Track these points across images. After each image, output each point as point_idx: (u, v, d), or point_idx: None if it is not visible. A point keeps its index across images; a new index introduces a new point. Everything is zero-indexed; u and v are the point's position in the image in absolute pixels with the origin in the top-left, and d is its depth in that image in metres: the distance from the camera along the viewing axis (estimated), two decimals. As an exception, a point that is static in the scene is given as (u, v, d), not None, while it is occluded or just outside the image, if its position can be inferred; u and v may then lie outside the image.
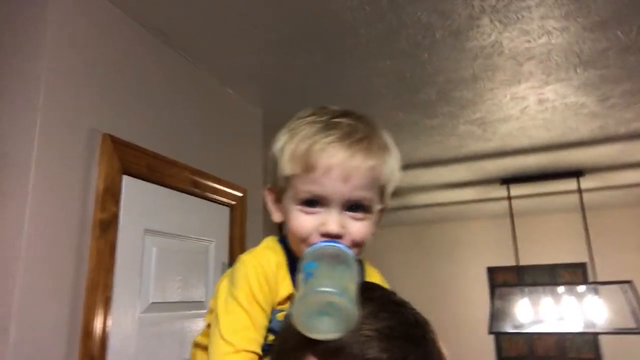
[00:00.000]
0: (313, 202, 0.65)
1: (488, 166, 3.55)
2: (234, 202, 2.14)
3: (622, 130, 2.84)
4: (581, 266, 4.96)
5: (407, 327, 0.54)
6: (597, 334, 4.14)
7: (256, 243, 2.09)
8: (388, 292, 0.61)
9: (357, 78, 2.11)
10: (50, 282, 1.24)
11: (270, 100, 2.34)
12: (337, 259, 0.61)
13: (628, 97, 2.37)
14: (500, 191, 4.00)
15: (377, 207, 0.68)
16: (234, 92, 2.23)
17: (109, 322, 1.38)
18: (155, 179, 1.68)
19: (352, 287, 0.56)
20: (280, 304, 0.68)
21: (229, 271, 0.72)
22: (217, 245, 2.02)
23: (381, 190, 0.68)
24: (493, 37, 1.79)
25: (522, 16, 1.66)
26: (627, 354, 4.52)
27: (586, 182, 3.81)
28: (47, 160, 1.28)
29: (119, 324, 1.44)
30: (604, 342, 4.86)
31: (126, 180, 1.53)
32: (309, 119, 0.68)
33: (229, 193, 2.10)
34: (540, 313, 3.54)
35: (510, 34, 1.77)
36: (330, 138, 0.64)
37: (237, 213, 2.17)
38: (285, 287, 0.68)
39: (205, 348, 0.70)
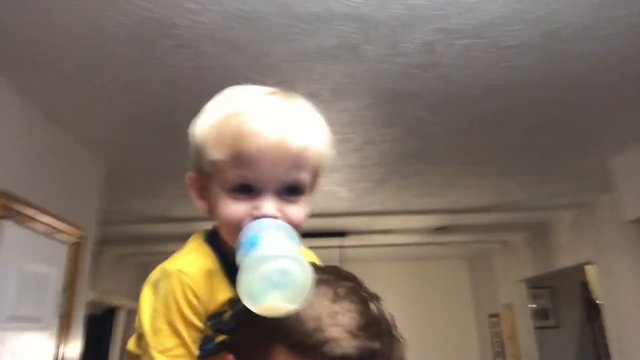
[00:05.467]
0: (244, 187, 0.60)
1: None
2: (73, 241, 2.71)
3: (371, 208, 4.19)
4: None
5: (375, 324, 0.55)
6: None
7: (87, 276, 2.70)
8: (355, 285, 0.61)
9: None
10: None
11: (112, 159, 2.98)
12: (280, 229, 0.58)
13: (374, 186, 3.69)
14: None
15: (311, 187, 0.66)
16: (88, 151, 2.82)
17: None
18: (23, 221, 2.23)
19: (303, 256, 0.54)
20: (219, 308, 0.64)
21: (152, 279, 0.67)
22: (57, 273, 2.57)
23: (314, 170, 0.65)
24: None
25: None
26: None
27: (348, 241, 5.21)
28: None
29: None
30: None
31: (5, 224, 2.07)
32: (231, 98, 0.64)
33: (72, 233, 2.67)
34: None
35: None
36: (258, 118, 0.60)
37: (75, 249, 2.74)
38: (222, 291, 0.64)
39: (135, 357, 0.69)
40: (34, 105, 2.25)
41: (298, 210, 0.63)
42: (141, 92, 2.18)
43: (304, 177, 0.63)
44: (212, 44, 1.84)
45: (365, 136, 2.68)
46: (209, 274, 0.64)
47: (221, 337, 0.66)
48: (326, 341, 0.52)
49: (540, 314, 7.19)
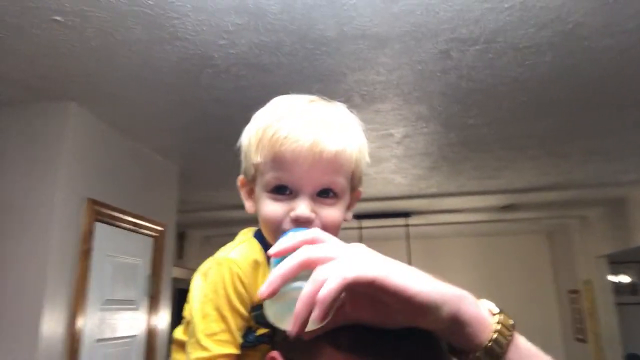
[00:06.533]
0: (282, 188, 0.63)
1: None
2: (157, 234, 3.18)
3: (429, 191, 4.31)
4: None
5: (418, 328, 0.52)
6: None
7: (170, 262, 3.16)
8: None
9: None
10: (60, 284, 2.24)
11: (183, 161, 3.41)
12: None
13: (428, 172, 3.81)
14: (354, 224, 5.38)
15: (348, 191, 0.67)
16: (161, 157, 3.26)
17: (86, 309, 2.39)
18: (112, 223, 2.70)
19: None
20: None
21: (203, 268, 0.71)
22: (144, 262, 3.05)
23: (351, 174, 0.66)
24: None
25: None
26: None
27: (413, 220, 5.36)
28: (60, 214, 2.27)
29: (91, 310, 2.45)
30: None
31: (97, 225, 2.54)
32: (274, 107, 0.68)
33: (154, 228, 3.14)
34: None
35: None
36: (294, 124, 0.62)
37: (159, 240, 3.21)
38: None
39: (182, 345, 0.72)
40: (111, 126, 2.69)
41: (333, 212, 0.64)
42: (196, 108, 2.51)
43: (339, 180, 0.64)
44: (246, 69, 2.10)
45: (404, 131, 2.82)
46: (256, 265, 0.68)
47: (262, 330, 0.68)
48: (370, 343, 0.52)
49: (629, 290, 6.83)
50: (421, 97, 2.41)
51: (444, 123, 2.73)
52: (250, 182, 0.70)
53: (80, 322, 2.36)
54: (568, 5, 1.71)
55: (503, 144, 3.10)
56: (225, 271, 0.67)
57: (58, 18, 1.70)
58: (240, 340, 0.67)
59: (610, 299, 5.44)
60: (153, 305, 3.10)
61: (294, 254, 0.49)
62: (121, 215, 2.77)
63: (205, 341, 0.64)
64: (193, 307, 0.68)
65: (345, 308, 0.52)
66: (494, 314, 0.51)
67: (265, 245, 0.70)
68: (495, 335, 0.49)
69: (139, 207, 2.96)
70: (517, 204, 4.90)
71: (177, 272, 4.42)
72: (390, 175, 3.78)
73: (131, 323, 2.90)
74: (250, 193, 0.71)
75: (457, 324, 0.48)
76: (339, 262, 0.47)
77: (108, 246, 2.66)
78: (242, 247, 0.71)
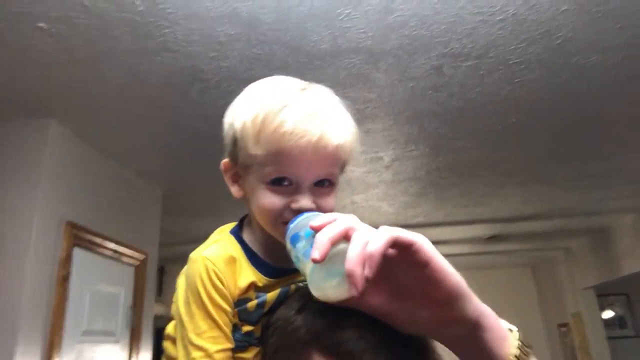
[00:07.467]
0: (281, 180, 0.64)
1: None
2: (138, 263, 3.04)
3: (415, 220, 4.27)
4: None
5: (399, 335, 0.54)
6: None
7: (152, 293, 3.01)
8: None
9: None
10: (35, 313, 2.08)
11: (168, 185, 3.31)
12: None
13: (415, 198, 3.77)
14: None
15: (339, 179, 0.69)
16: (144, 182, 3.16)
17: (63, 341, 2.23)
18: (92, 248, 2.56)
19: None
20: (242, 294, 0.67)
21: (184, 269, 0.71)
22: (125, 292, 2.89)
23: (343, 164, 0.69)
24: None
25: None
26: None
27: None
28: (37, 237, 2.15)
29: (68, 342, 2.29)
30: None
31: (76, 250, 2.40)
32: (268, 91, 0.67)
33: (135, 256, 3.00)
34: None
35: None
36: (298, 117, 0.62)
37: (140, 270, 3.06)
38: (245, 276, 0.68)
39: (174, 340, 0.72)
40: (93, 146, 2.60)
41: (330, 200, 0.67)
42: (182, 127, 2.45)
43: (336, 171, 0.66)
44: (236, 84, 2.05)
45: (393, 154, 2.80)
46: (232, 260, 0.68)
47: (247, 327, 0.68)
48: (364, 349, 0.52)
49: (617, 323, 6.78)
50: (411, 117, 2.39)
51: (433, 145, 2.72)
52: (241, 169, 0.68)
53: (56, 356, 2.19)
54: (558, 19, 1.74)
55: (491, 168, 3.10)
56: (201, 268, 0.66)
57: (42, 25, 1.65)
58: (229, 334, 0.66)
59: (601, 332, 5.38)
60: (134, 338, 2.92)
61: (336, 221, 0.52)
62: (101, 241, 2.64)
63: (198, 341, 0.64)
64: (180, 308, 0.67)
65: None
66: (511, 331, 0.51)
67: (243, 242, 0.71)
68: (517, 352, 0.49)
69: (120, 234, 2.83)
70: (502, 234, 4.88)
71: (157, 309, 4.22)
72: (378, 203, 3.73)
73: (111, 357, 2.71)
74: (236, 178, 0.70)
75: (479, 327, 0.49)
76: (378, 230, 0.50)
77: (87, 273, 2.51)
78: (217, 245, 0.70)
